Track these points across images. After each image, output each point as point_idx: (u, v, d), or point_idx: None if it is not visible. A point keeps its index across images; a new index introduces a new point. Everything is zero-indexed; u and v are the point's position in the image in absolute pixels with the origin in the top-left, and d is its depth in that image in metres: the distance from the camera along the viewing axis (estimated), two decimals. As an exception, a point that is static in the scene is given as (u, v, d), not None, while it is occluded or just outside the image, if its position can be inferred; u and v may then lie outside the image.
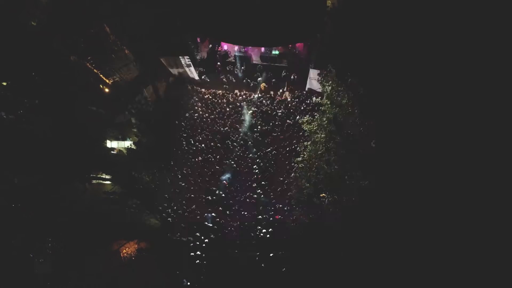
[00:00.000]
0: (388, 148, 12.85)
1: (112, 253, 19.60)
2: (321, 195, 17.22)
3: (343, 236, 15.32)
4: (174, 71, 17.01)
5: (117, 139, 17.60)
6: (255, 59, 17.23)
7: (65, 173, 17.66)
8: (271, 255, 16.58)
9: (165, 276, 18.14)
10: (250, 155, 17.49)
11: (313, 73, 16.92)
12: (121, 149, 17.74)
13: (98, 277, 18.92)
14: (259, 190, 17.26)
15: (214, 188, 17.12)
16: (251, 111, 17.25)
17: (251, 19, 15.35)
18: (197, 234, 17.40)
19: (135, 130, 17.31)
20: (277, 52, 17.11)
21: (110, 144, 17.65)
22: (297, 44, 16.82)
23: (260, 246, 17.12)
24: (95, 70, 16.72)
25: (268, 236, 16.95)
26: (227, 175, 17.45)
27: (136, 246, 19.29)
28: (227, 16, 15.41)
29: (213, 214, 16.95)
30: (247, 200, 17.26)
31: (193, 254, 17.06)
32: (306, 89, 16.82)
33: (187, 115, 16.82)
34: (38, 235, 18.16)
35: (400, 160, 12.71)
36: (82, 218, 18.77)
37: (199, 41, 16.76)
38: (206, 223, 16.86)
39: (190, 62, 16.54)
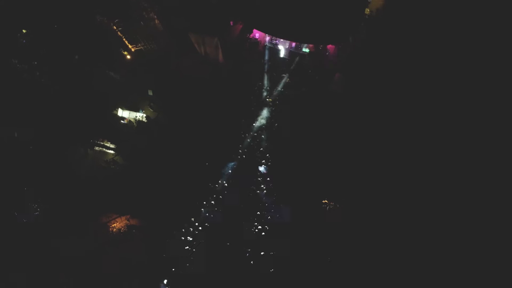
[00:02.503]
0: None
1: (100, 225, 18.98)
2: (323, 201, 17.18)
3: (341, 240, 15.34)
4: (201, 50, 16.62)
5: (129, 109, 17.00)
6: (284, 53, 17.05)
7: (69, 134, 16.97)
8: (262, 253, 16.36)
9: (150, 257, 17.72)
10: (261, 148, 17.27)
11: (338, 77, 16.85)
12: (132, 120, 17.16)
13: (80, 248, 18.35)
14: (263, 186, 17.05)
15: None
16: (270, 104, 17.08)
17: (288, 12, 15.15)
18: (192, 219, 17.12)
19: (150, 103, 16.81)
20: (307, 50, 16.96)
21: (121, 112, 16.98)
22: (328, 46, 16.72)
23: (252, 243, 16.91)
24: (119, 34, 16.14)
25: (263, 234, 16.73)
26: (232, 164, 17.17)
27: (127, 222, 18.69)
28: (266, 5, 15.16)
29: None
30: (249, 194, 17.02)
31: (183, 238, 16.76)
32: (329, 91, 16.76)
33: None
34: (27, 194, 17.46)
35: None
36: (77, 183, 18.13)
37: (231, 24, 16.45)
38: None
39: (219, 44, 16.23)
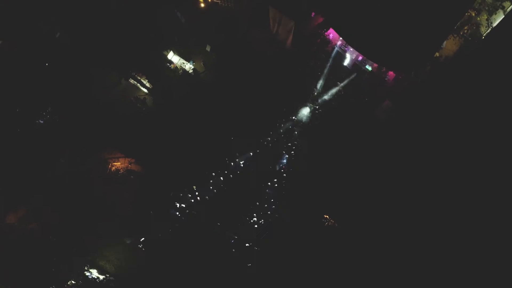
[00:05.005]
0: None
1: (100, 159, 17.98)
2: (325, 216, 17.20)
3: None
4: (274, 27, 16.29)
5: (181, 55, 16.39)
6: (348, 63, 17.17)
7: (110, 54, 16.04)
8: (246, 245, 16.06)
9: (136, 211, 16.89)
10: (289, 143, 17.22)
11: (387, 104, 17.13)
12: (178, 67, 16.54)
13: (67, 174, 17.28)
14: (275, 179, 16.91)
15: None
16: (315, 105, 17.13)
17: (369, 26, 15.27)
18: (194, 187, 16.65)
19: (204, 59, 16.29)
20: (369, 68, 17.22)
21: (171, 56, 16.29)
22: (390, 72, 17.03)
23: (243, 232, 16.56)
24: (202, -22, 15.63)
25: (255, 226, 16.46)
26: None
27: (129, 166, 17.80)
28: (352, 11, 15.25)
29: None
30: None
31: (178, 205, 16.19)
32: (373, 114, 17.01)
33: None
34: (43, 97, 16.38)
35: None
36: (95, 107, 17.17)
37: (312, 15, 16.40)
38: None
39: (293, 29, 16.11)
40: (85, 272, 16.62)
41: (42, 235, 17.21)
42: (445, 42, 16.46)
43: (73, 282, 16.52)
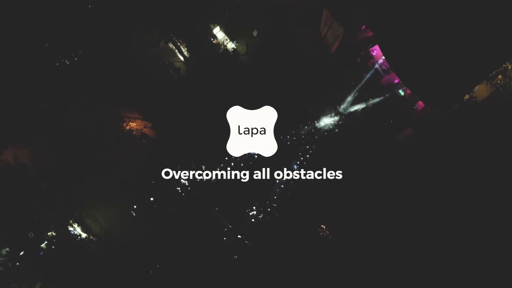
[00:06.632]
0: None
1: (117, 115, 17.56)
2: (321, 225, 17.27)
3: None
4: (323, 30, 16.52)
5: (226, 33, 16.27)
6: (383, 83, 17.51)
7: (156, 12, 15.71)
8: (238, 236, 16.01)
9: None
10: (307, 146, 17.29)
11: (409, 132, 17.48)
12: (221, 43, 16.40)
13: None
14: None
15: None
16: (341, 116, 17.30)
17: (415, 53, 15.60)
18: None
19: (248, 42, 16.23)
20: (402, 93, 17.60)
21: (217, 31, 16.17)
22: (419, 102, 17.46)
23: (238, 222, 16.45)
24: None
25: (252, 220, 16.38)
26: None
27: (144, 129, 17.43)
28: (402, 35, 15.55)
29: None
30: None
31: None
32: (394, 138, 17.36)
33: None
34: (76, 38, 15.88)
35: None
36: (127, 62, 16.77)
37: (362, 28, 16.68)
38: None
39: (341, 36, 16.29)
40: (69, 226, 16.16)
41: (35, 178, 16.64)
42: (477, 87, 17.05)
43: (53, 233, 16.04)
